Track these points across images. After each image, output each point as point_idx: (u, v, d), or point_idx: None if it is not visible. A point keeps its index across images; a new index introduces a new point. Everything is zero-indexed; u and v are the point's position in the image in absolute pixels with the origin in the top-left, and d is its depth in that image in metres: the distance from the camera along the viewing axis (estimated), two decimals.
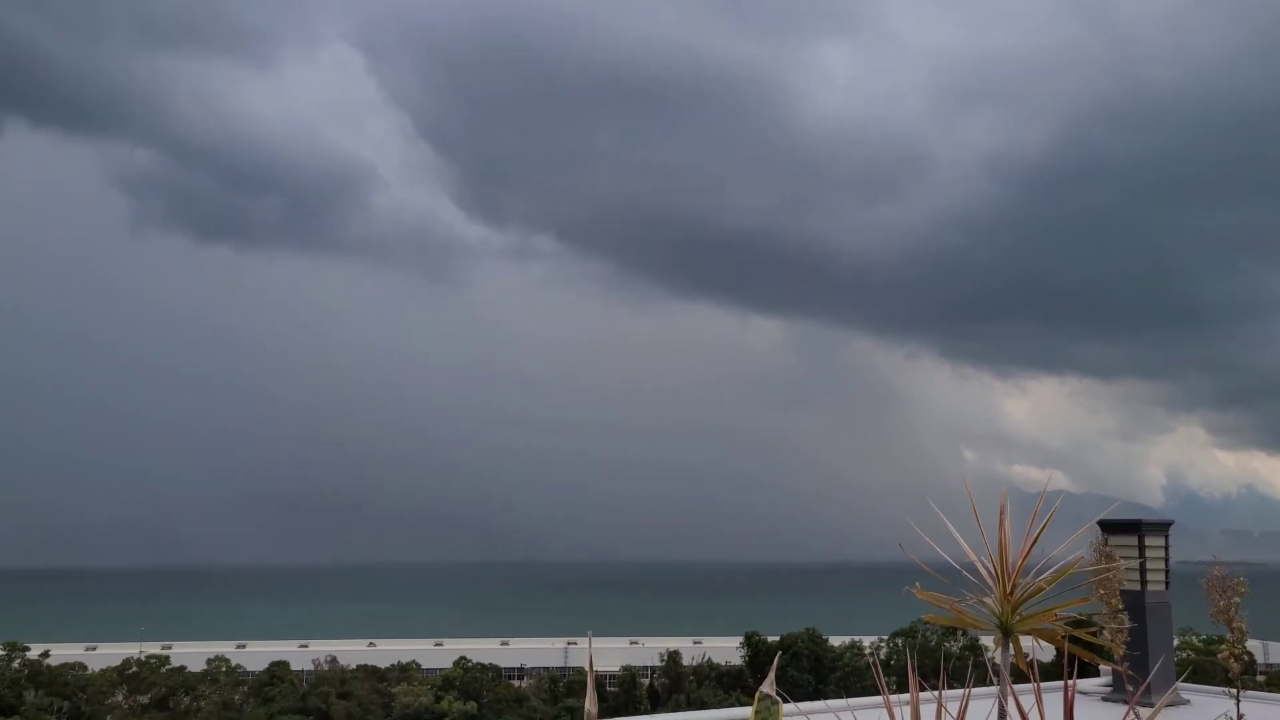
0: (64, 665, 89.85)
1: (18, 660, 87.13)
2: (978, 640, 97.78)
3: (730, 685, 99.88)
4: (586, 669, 3.11)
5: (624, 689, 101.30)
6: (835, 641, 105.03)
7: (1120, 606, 6.02)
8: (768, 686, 3.05)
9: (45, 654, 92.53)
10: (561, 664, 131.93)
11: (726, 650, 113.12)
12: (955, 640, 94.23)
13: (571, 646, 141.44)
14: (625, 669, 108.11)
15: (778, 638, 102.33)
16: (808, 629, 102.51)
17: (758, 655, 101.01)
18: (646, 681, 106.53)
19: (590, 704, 3.25)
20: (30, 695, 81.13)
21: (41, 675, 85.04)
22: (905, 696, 3.45)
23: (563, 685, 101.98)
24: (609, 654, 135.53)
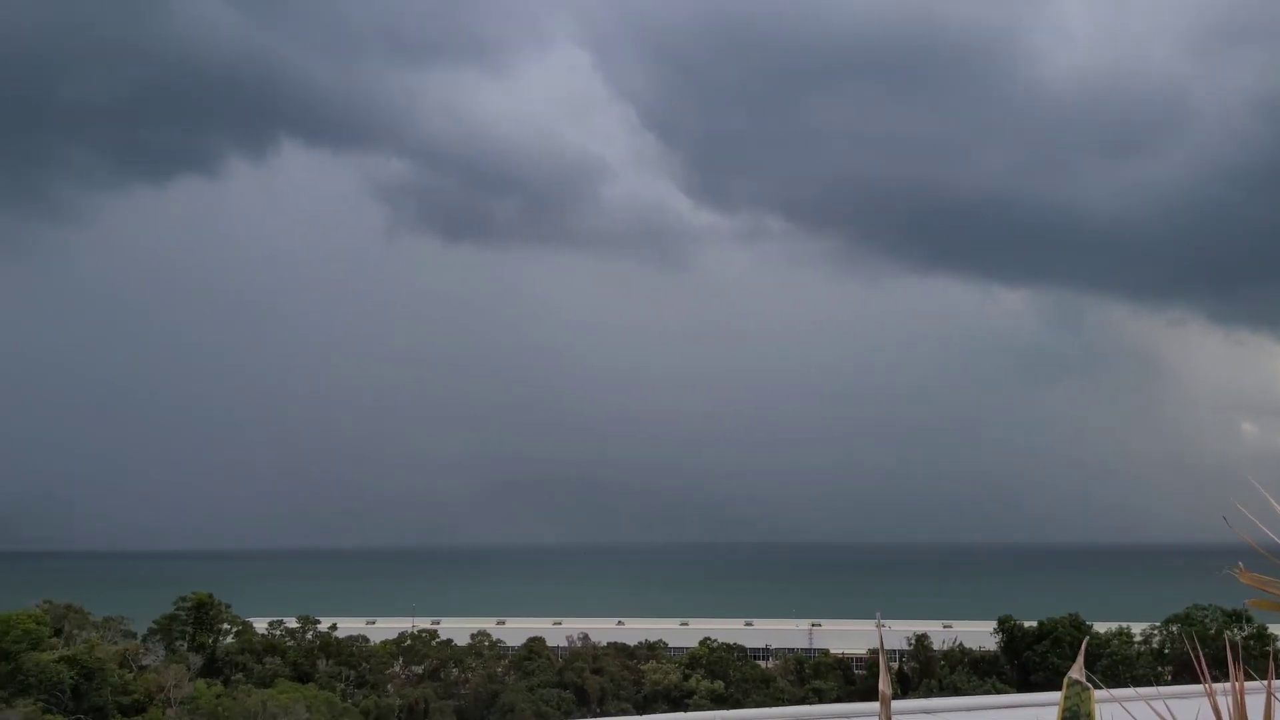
0: (349, 638, 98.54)
1: (310, 632, 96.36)
2: (1265, 629, 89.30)
3: (985, 672, 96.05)
4: (879, 649, 3.13)
5: (871, 672, 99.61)
6: (1100, 628, 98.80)
7: None
8: (1077, 672, 2.97)
9: (333, 627, 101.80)
10: (806, 645, 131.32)
11: (979, 635, 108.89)
12: (1238, 628, 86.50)
13: (815, 628, 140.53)
14: (872, 652, 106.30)
15: (1035, 623, 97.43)
16: (1069, 614, 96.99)
17: (1013, 641, 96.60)
18: (895, 666, 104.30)
19: (884, 685, 3.28)
20: (322, 664, 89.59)
21: (331, 646, 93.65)
22: (1227, 685, 3.24)
23: (809, 667, 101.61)
24: (854, 636, 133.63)
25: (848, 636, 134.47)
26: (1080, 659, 3.01)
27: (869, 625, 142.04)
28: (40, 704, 58.04)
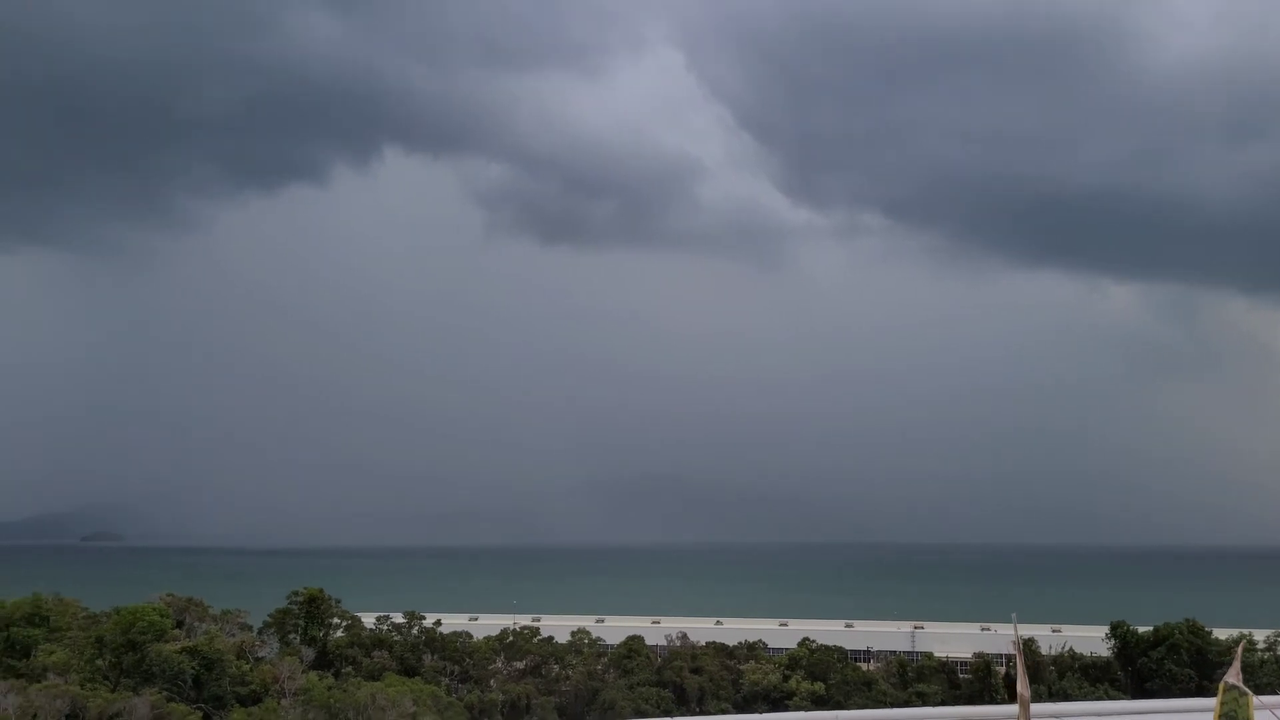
0: (453, 634, 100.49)
1: (416, 628, 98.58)
2: None
3: (1096, 678, 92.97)
4: (1015, 650, 3.10)
5: (977, 677, 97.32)
6: (1220, 634, 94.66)
7: None
8: (1233, 677, 2.89)
9: (438, 623, 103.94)
10: (909, 648, 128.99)
11: (1089, 640, 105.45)
12: None
13: (918, 631, 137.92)
14: (978, 656, 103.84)
15: (1150, 628, 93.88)
16: (1187, 620, 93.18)
17: (1127, 646, 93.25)
18: (1002, 670, 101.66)
19: (1023, 687, 3.24)
20: (428, 659, 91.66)
21: (435, 641, 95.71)
22: None
23: (911, 670, 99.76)
24: (958, 640, 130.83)
25: (951, 639, 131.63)
26: (1237, 664, 2.93)
27: (973, 628, 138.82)
28: (164, 693, 60.69)
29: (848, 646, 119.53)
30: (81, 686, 57.80)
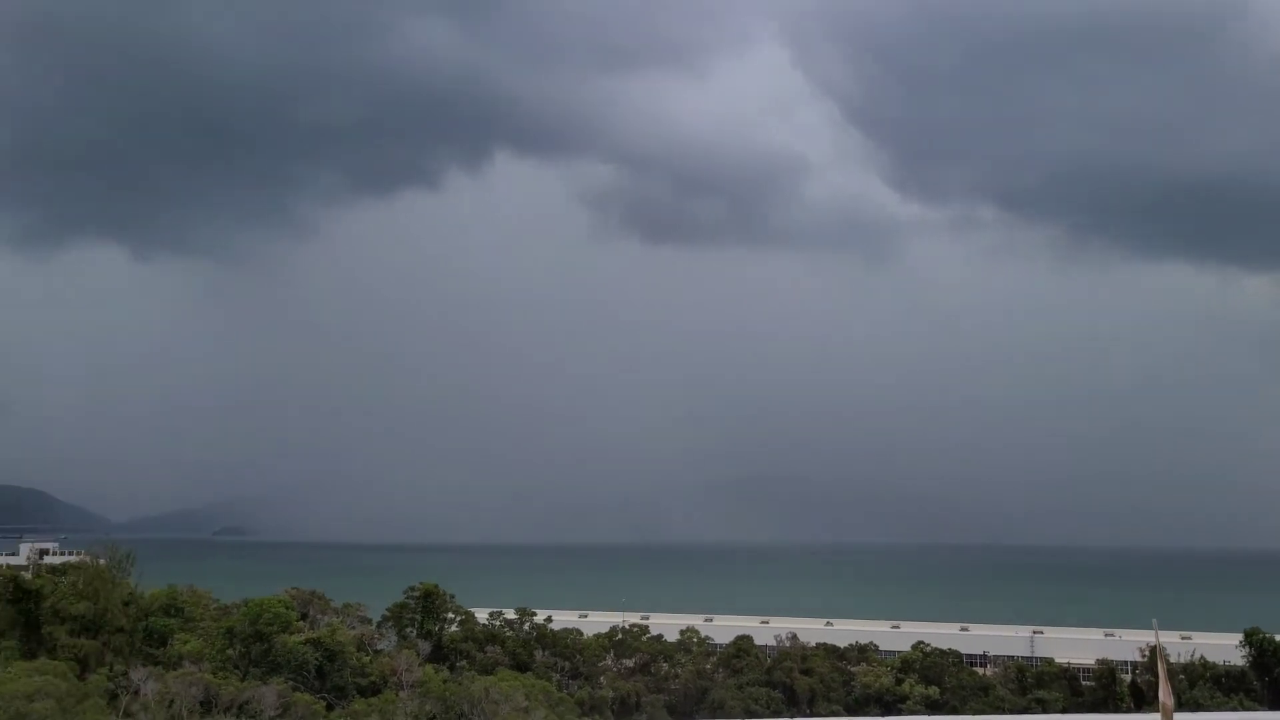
0: (564, 630, 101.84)
1: (527, 624, 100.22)
2: None
3: (1230, 688, 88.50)
4: (1157, 656, 3.00)
5: (1101, 684, 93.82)
6: None
7: None
8: None
9: (548, 619, 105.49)
10: (1027, 653, 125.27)
11: (1221, 649, 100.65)
12: None
13: (1037, 635, 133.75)
14: (1101, 662, 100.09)
15: None
16: None
17: (1264, 655, 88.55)
18: (1127, 678, 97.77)
19: (1165, 694, 3.15)
20: (539, 655, 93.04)
21: (546, 638, 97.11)
22: None
23: (1030, 675, 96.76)
24: (1080, 645, 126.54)
25: (1072, 645, 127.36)
26: None
27: (1096, 633, 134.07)
28: (290, 682, 63.09)
29: (963, 650, 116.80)
30: (214, 675, 60.55)
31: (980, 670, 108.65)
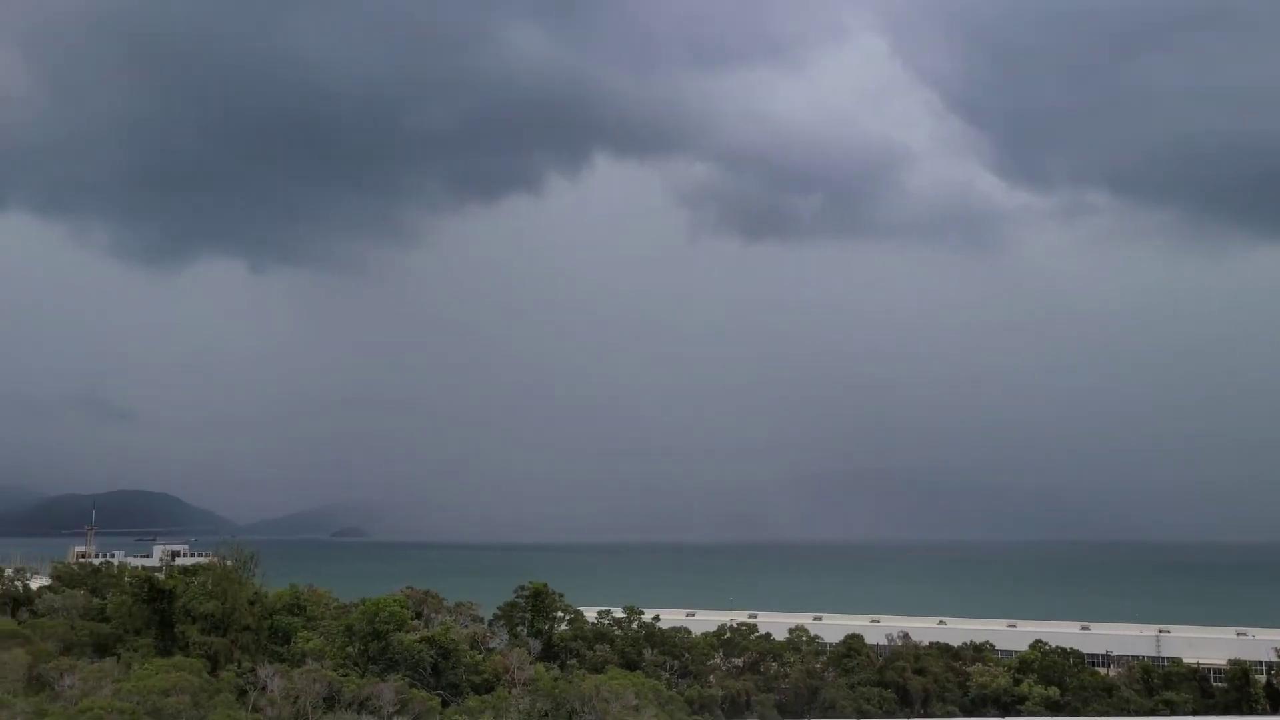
0: (672, 629, 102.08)
1: (635, 622, 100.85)
2: None
3: None
4: None
5: (1234, 685, 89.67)
6: None
7: None
8: None
9: (656, 618, 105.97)
10: (1153, 653, 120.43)
11: None
12: None
13: (1163, 635, 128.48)
14: (1233, 663, 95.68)
15: None
16: None
17: None
18: (1262, 679, 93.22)
19: None
20: (648, 653, 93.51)
21: (655, 636, 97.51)
22: None
23: (1157, 676, 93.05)
24: (1210, 645, 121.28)
25: (1202, 644, 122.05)
26: None
27: (1228, 633, 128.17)
28: (406, 679, 64.88)
29: (1084, 650, 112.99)
30: (335, 671, 62.68)
31: (1103, 671, 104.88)
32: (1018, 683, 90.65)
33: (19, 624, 71.23)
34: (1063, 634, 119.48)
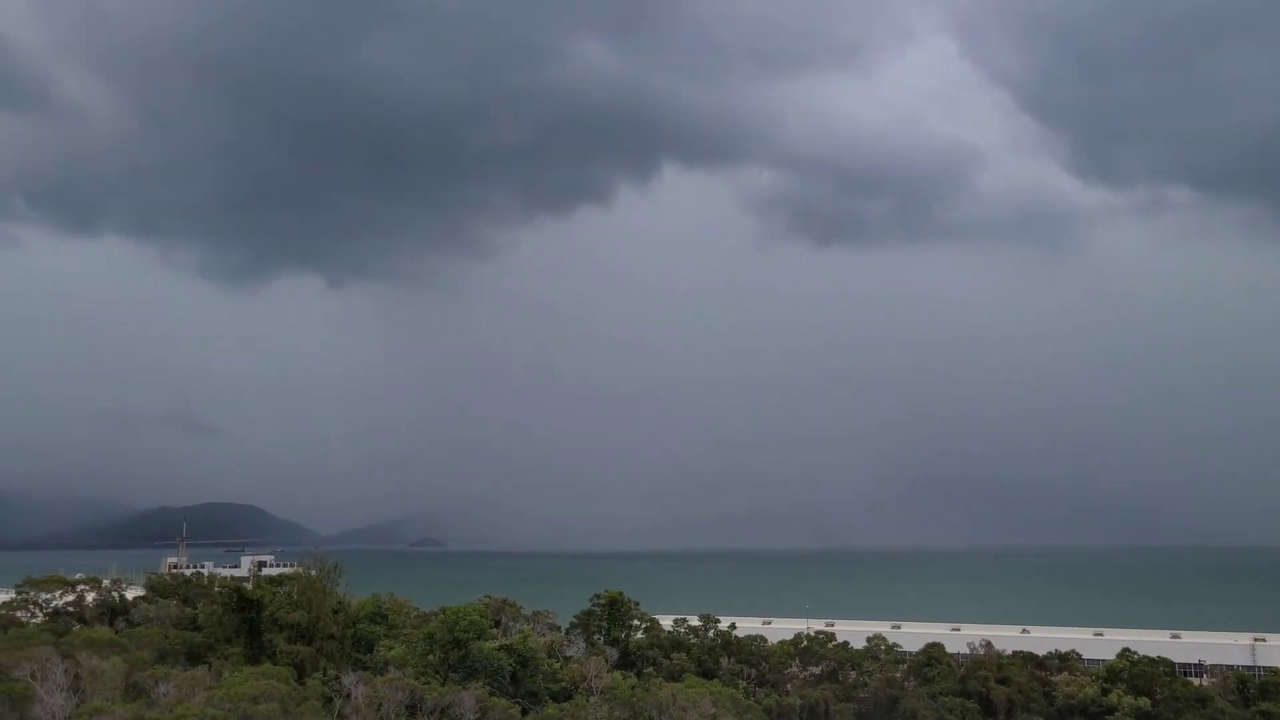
0: (748, 637, 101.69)
1: (711, 630, 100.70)
2: None
3: None
4: None
5: None
6: None
7: None
8: None
9: (732, 626, 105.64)
10: (1249, 662, 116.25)
11: None
12: None
13: (1260, 644, 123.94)
14: None
15: None
16: None
17: None
18: None
19: None
20: (725, 661, 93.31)
21: (731, 644, 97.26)
22: None
23: (1253, 687, 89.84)
24: None
25: None
26: None
27: None
28: (487, 687, 65.81)
29: (1175, 659, 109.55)
30: (417, 679, 63.83)
31: (1195, 681, 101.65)
32: (1106, 693, 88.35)
33: (116, 633, 73.83)
34: (1152, 642, 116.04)
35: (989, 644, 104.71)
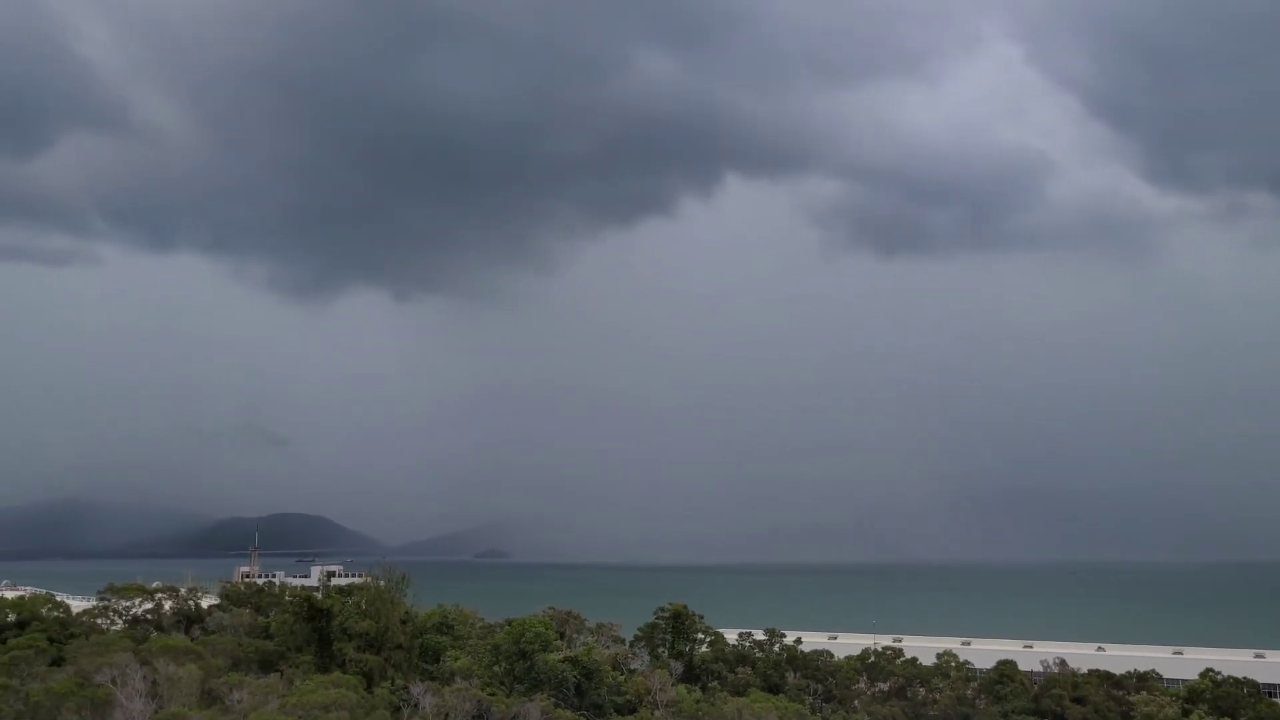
0: (814, 652, 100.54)
1: (777, 645, 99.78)
2: None
3: None
4: None
5: None
6: None
7: None
8: None
9: (798, 640, 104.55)
10: None
11: None
12: None
13: None
14: None
15: None
16: None
17: None
18: None
19: None
20: (790, 676, 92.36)
21: (797, 659, 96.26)
22: None
23: None
24: None
25: None
26: None
27: None
28: (552, 699, 65.96)
29: (1260, 679, 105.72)
30: (483, 690, 64.25)
31: None
32: (1187, 713, 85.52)
33: (192, 641, 75.58)
34: (1235, 662, 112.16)
35: (1063, 662, 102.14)
